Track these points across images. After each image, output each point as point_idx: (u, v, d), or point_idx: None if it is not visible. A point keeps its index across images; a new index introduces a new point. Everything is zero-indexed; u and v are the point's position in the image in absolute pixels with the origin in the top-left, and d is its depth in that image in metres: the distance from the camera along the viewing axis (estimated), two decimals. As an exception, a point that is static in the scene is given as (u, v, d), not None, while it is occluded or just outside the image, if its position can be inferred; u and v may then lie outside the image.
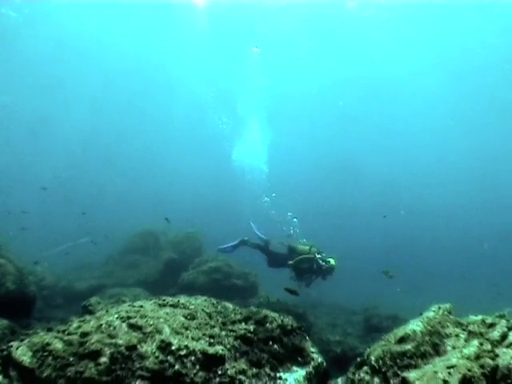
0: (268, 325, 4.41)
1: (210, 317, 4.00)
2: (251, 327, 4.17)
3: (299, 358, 4.19)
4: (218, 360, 3.27)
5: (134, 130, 47.63)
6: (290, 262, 10.09)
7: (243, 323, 4.30)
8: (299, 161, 49.44)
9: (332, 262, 10.08)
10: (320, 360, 4.38)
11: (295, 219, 12.28)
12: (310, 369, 4.13)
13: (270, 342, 4.12)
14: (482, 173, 44.65)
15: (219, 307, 4.53)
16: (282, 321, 4.52)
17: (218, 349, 3.32)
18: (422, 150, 45.41)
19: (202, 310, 4.03)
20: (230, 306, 4.79)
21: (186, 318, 3.65)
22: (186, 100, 40.59)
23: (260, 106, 29.74)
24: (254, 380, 3.44)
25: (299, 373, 3.99)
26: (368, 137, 44.95)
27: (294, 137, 45.78)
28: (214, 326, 3.73)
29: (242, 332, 3.97)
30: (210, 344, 3.39)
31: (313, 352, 4.43)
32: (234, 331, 3.92)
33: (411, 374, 2.89)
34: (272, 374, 3.68)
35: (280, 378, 3.73)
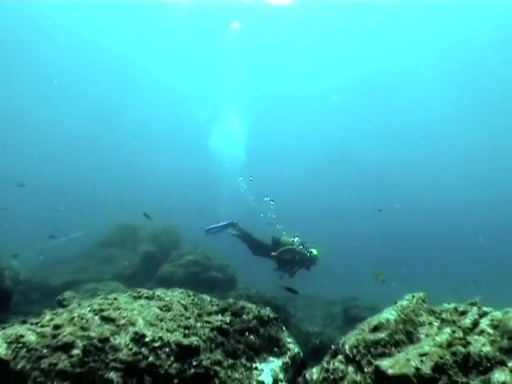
0: (244, 316, 4.44)
1: (186, 308, 4.00)
2: (227, 318, 4.20)
3: (275, 349, 4.23)
4: (193, 351, 3.27)
5: (113, 128, 47.12)
6: (273, 254, 10.14)
7: (220, 315, 4.32)
8: (290, 155, 49.73)
9: (315, 252, 10.19)
10: (296, 350, 4.43)
11: (272, 202, 12.14)
12: (286, 359, 4.18)
13: (247, 333, 4.15)
14: (478, 167, 45.15)
15: (196, 299, 4.53)
16: (258, 312, 4.56)
17: (193, 340, 3.33)
18: (417, 144, 45.80)
19: (178, 301, 4.03)
20: (206, 297, 4.80)
21: (160, 309, 3.64)
22: (166, 95, 40.59)
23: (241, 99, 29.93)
24: (229, 371, 3.47)
25: (275, 363, 4.03)
26: (363, 130, 45.18)
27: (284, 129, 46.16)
28: (189, 318, 3.73)
29: (218, 323, 3.99)
30: (185, 335, 3.39)
31: (289, 342, 4.48)
32: (209, 322, 3.93)
33: (384, 362, 2.93)
34: (248, 365, 3.72)
35: (256, 368, 3.77)
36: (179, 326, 3.48)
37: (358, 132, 45.10)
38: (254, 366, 3.76)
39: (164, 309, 3.67)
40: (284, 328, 4.73)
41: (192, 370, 3.16)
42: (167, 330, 3.31)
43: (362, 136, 45.58)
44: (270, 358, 4.08)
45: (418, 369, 2.82)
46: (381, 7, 25.71)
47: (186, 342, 3.23)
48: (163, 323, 3.41)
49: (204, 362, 3.25)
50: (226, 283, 13.25)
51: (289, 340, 4.52)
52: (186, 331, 3.45)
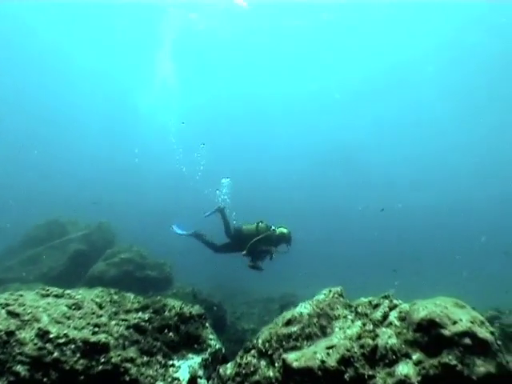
0: (166, 313, 4.51)
1: (101, 306, 4.03)
2: (146, 316, 4.25)
3: (196, 346, 4.34)
4: (101, 348, 3.32)
5: (48, 124, 45.74)
6: (244, 253, 9.17)
7: (140, 312, 4.37)
8: (292, 154, 49.83)
9: (285, 230, 9.41)
10: (218, 346, 4.56)
11: (227, 179, 11.48)
12: (206, 355, 4.30)
13: (166, 330, 4.23)
14: (480, 167, 45.87)
15: (116, 297, 4.54)
16: (180, 308, 4.64)
17: (101, 337, 3.37)
18: (419, 144, 46.29)
19: (92, 299, 4.04)
20: (130, 295, 4.81)
21: (69, 307, 3.64)
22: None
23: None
24: (143, 368, 3.53)
25: (194, 360, 4.14)
26: (365, 129, 45.32)
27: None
28: (101, 316, 3.77)
29: (136, 321, 4.04)
30: (94, 333, 3.43)
31: (211, 339, 4.59)
32: (126, 320, 3.98)
33: (290, 356, 3.08)
34: (164, 362, 3.80)
35: (173, 365, 3.86)
36: (88, 323, 3.51)
37: (360, 130, 45.37)
38: (170, 363, 3.85)
39: (73, 307, 3.68)
40: (207, 325, 4.84)
41: (100, 367, 3.21)
42: (74, 328, 3.34)
43: (364, 134, 45.81)
44: (190, 355, 4.18)
45: (323, 361, 2.96)
46: (382, 6, 26.06)
47: (93, 339, 3.29)
48: (71, 321, 3.43)
49: (113, 359, 3.30)
50: (161, 282, 13.13)
51: (210, 337, 4.63)
52: (96, 329, 3.49)
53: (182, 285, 13.12)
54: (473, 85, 33.74)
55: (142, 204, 42.37)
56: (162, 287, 12.74)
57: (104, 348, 3.32)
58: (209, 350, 4.39)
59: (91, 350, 3.26)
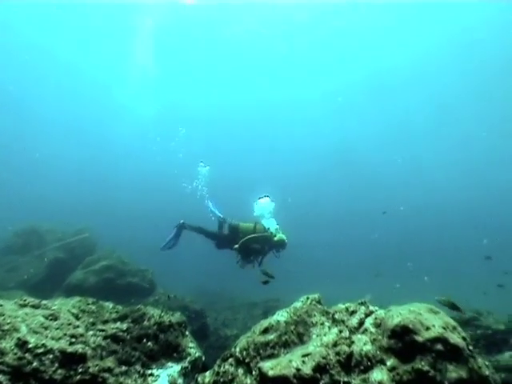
0: (145, 322, 4.56)
1: (77, 317, 4.07)
2: (124, 326, 4.30)
3: (175, 354, 4.39)
4: (78, 358, 3.37)
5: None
6: (236, 247, 9.11)
7: (118, 322, 4.41)
8: (296, 157, 49.86)
9: (284, 237, 9.32)
10: (198, 355, 4.62)
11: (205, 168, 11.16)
12: (185, 364, 4.36)
13: (144, 340, 4.27)
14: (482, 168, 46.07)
15: (93, 307, 4.57)
16: (159, 317, 4.69)
17: (78, 347, 3.42)
18: (420, 145, 46.32)
19: (68, 310, 4.08)
20: (108, 305, 4.84)
21: (46, 318, 3.66)
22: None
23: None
24: (122, 378, 3.58)
25: (174, 368, 4.19)
26: (367, 132, 45.46)
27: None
28: (77, 327, 3.81)
29: (113, 331, 4.08)
30: (71, 343, 3.48)
31: (190, 347, 4.65)
32: (103, 331, 4.03)
33: (266, 364, 3.14)
34: (142, 371, 3.85)
35: (152, 374, 3.91)
36: (65, 334, 3.54)
37: (363, 133, 45.51)
38: (149, 372, 3.90)
39: (50, 318, 3.71)
40: (187, 333, 4.89)
41: (78, 377, 3.27)
42: (52, 338, 3.39)
43: (367, 137, 46.01)
44: (169, 364, 4.23)
45: (298, 369, 3.01)
46: (384, 6, 26.26)
47: (70, 349, 3.34)
48: (48, 331, 3.47)
49: (91, 369, 3.36)
50: (143, 289, 13.03)
51: (190, 345, 4.69)
52: (73, 339, 3.54)
53: (165, 291, 13.09)
54: (476, 88, 34.10)
55: (119, 206, 42.14)
56: (144, 294, 12.68)
57: (81, 358, 3.38)
58: (188, 358, 4.44)
59: (69, 360, 3.31)
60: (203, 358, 4.68)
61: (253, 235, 9.11)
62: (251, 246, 9.10)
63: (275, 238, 9.25)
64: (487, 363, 3.27)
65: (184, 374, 4.19)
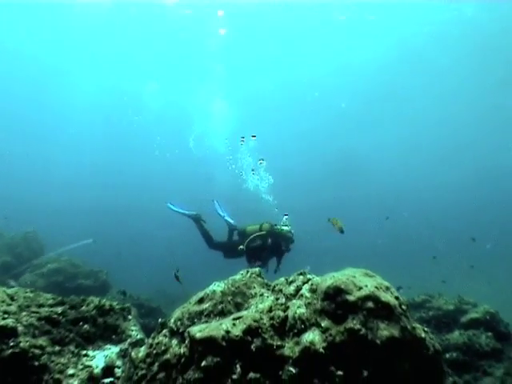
0: (84, 307, 4.60)
1: (12, 298, 4.12)
2: (59, 309, 4.33)
3: (114, 336, 4.45)
4: (9, 332, 3.44)
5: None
6: (241, 247, 9.01)
7: (53, 307, 4.44)
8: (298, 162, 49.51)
9: (287, 228, 9.14)
10: (139, 337, 4.67)
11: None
12: (125, 346, 4.41)
13: (81, 323, 4.32)
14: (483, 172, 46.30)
15: (32, 294, 4.59)
16: (99, 302, 4.74)
17: (9, 321, 3.50)
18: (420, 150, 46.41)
19: (4, 291, 4.13)
20: (47, 295, 4.86)
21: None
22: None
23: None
24: (54, 356, 3.64)
25: (112, 350, 4.25)
26: (370, 137, 45.35)
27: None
28: (10, 305, 3.87)
29: (47, 314, 4.12)
30: (4, 318, 3.55)
31: (132, 330, 4.71)
32: (37, 313, 4.07)
33: (195, 328, 3.19)
34: (77, 351, 3.91)
35: (87, 355, 3.97)
36: (-2, 310, 3.62)
37: (366, 140, 45.48)
38: (84, 352, 3.96)
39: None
40: (130, 317, 4.94)
41: (10, 350, 3.35)
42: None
43: (369, 141, 45.92)
44: (107, 346, 4.29)
45: (228, 331, 3.06)
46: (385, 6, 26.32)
47: (1, 322, 3.39)
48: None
49: (22, 344, 3.44)
50: (96, 290, 13.02)
51: (132, 328, 4.74)
52: (5, 315, 3.61)
53: (120, 290, 13.05)
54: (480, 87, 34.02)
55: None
56: (97, 295, 12.55)
57: (12, 332, 3.45)
58: (128, 340, 4.50)
59: (0, 334, 3.36)
60: (145, 341, 4.73)
61: (257, 233, 9.06)
62: (252, 245, 9.01)
63: (281, 231, 9.08)
64: (426, 329, 3.38)
65: (123, 355, 4.24)
